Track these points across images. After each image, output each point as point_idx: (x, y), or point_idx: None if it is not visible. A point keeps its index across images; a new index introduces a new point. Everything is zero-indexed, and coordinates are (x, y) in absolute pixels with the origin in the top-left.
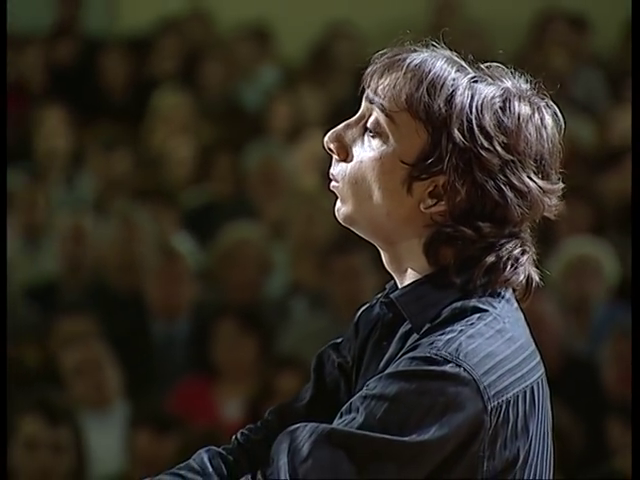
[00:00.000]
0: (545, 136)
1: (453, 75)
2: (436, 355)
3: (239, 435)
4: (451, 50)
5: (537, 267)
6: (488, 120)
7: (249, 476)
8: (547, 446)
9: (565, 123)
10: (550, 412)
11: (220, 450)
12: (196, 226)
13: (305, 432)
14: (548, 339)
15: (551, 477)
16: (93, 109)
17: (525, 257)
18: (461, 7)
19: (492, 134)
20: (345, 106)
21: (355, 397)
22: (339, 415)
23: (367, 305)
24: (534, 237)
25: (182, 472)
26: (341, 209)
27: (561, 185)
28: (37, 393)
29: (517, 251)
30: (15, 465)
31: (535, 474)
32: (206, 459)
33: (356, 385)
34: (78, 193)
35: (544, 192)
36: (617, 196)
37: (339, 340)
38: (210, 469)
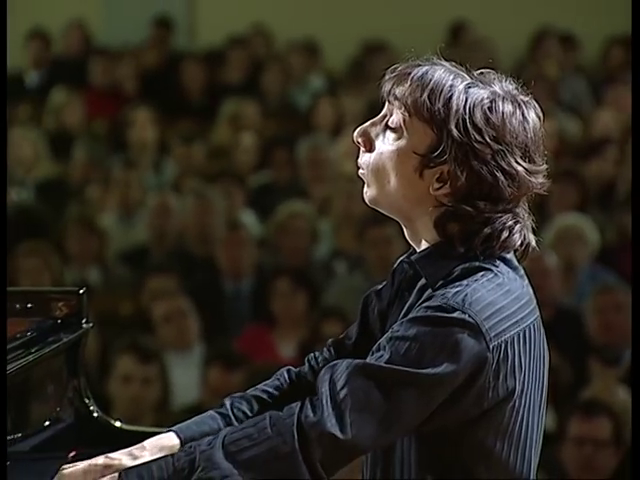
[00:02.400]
0: (527, 127)
1: (450, 82)
2: (446, 304)
3: (311, 359)
4: (449, 61)
5: (534, 234)
6: (479, 118)
7: (300, 402)
8: (540, 378)
9: (554, 118)
10: (546, 350)
11: (297, 371)
12: (258, 203)
13: (343, 366)
14: (550, 291)
15: (543, 403)
16: (175, 109)
17: (517, 226)
18: (471, 27)
19: (483, 129)
20: (377, 108)
21: (382, 338)
22: (370, 353)
23: (402, 257)
24: (532, 213)
25: (269, 389)
26: (367, 192)
27: (545, 166)
28: (131, 337)
29: (510, 222)
30: (112, 396)
31: (529, 401)
32: (286, 377)
33: (386, 325)
34: (163, 177)
35: (530, 173)
36: (598, 180)
37: (381, 286)
38: (286, 387)
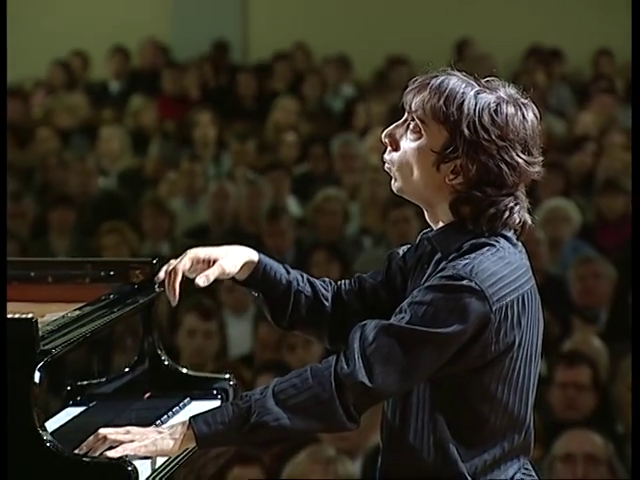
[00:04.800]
0: (527, 126)
1: (462, 90)
2: (457, 274)
3: (340, 283)
4: (460, 71)
5: (530, 214)
6: (486, 120)
7: (335, 356)
8: (535, 334)
9: (543, 119)
10: (540, 311)
11: (333, 285)
12: (299, 190)
13: (371, 326)
14: (539, 261)
15: (538, 355)
16: (231, 112)
17: (517, 207)
18: (474, 43)
19: (489, 129)
20: (399, 111)
21: (404, 302)
22: (394, 314)
23: (423, 233)
24: (527, 198)
25: (317, 283)
26: (394, 184)
27: (541, 158)
28: (195, 299)
29: (511, 204)
30: (180, 347)
31: (526, 353)
32: (327, 283)
33: (407, 288)
34: (222, 168)
35: (529, 164)
36: (579, 170)
37: (406, 248)
38: (324, 289)
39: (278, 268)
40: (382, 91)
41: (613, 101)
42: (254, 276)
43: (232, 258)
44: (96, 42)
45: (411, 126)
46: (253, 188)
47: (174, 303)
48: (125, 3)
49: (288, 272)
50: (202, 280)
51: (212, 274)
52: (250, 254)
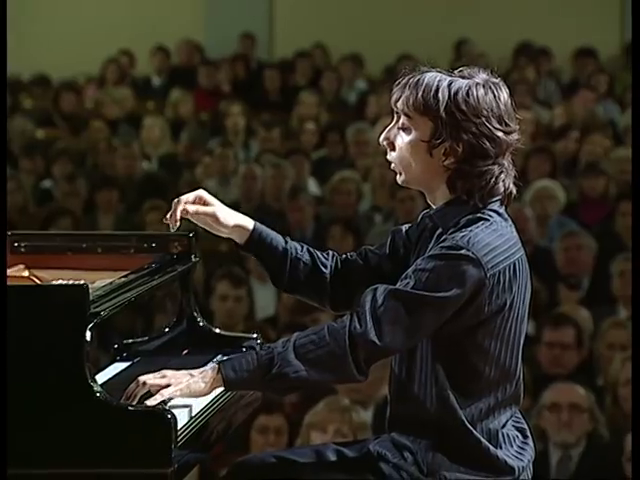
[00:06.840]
0: (500, 102)
1: (437, 82)
2: (455, 244)
3: (348, 255)
4: (434, 67)
5: (517, 192)
6: (460, 103)
7: (349, 316)
8: (524, 297)
9: (533, 110)
10: (529, 277)
11: (337, 256)
12: (318, 172)
13: (381, 290)
14: (529, 234)
15: (526, 315)
16: (259, 104)
17: (503, 175)
18: (472, 43)
19: (464, 110)
20: None
21: (409, 270)
22: (400, 280)
23: (424, 212)
24: (516, 178)
25: (317, 253)
26: (399, 178)
27: (517, 127)
28: (227, 268)
29: (497, 172)
30: (213, 310)
31: (516, 313)
32: (331, 255)
33: (410, 259)
34: (250, 153)
35: (506, 133)
36: (564, 154)
37: (408, 226)
38: (324, 259)
39: (275, 237)
40: (391, 85)
41: (594, 95)
42: (250, 241)
43: (228, 213)
44: (141, 42)
45: (400, 124)
46: (277, 170)
47: (172, 228)
48: (165, 8)
49: (286, 242)
50: (190, 207)
51: (200, 209)
52: (245, 221)
